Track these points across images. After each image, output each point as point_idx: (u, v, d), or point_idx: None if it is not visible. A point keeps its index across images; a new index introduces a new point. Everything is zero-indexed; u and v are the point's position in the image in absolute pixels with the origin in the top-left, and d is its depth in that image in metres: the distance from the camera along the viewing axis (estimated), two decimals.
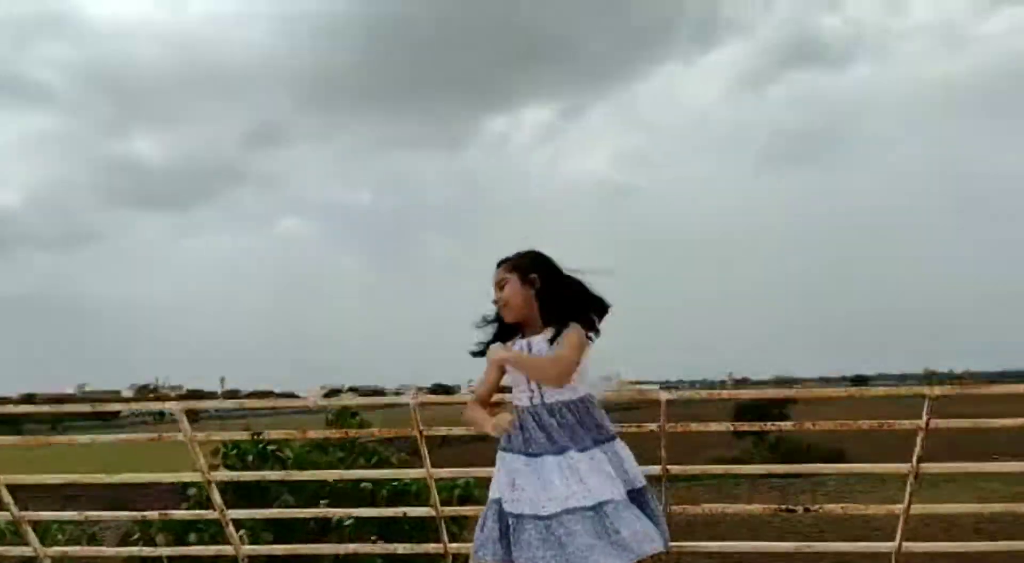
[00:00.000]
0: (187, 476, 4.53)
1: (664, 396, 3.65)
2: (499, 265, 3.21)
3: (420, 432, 3.85)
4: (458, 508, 4.77)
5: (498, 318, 3.21)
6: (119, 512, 6.04)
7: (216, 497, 4.07)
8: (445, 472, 4.18)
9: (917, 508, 3.81)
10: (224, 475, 4.65)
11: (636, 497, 3.05)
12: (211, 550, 4.31)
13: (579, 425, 3.06)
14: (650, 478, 3.98)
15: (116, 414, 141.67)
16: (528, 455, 3.02)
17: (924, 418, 3.61)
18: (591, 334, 3.13)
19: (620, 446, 3.15)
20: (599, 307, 3.17)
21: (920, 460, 3.73)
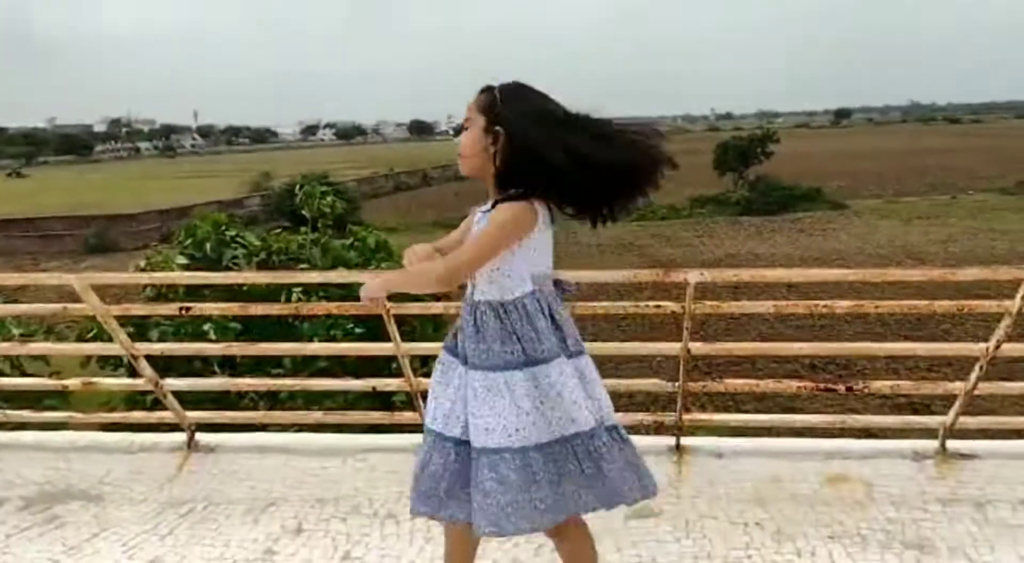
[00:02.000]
0: (111, 348, 4.02)
1: (693, 278, 3.01)
2: (480, 92, 2.29)
3: (387, 310, 3.37)
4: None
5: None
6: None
7: (147, 370, 3.65)
8: (415, 347, 3.80)
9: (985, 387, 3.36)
10: (151, 347, 4.14)
11: None
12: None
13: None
14: (669, 358, 3.55)
15: (90, 149, 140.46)
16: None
17: (1018, 302, 3.01)
18: (561, 209, 2.25)
19: None
20: (600, 195, 2.22)
21: (1000, 344, 3.15)
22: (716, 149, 52.53)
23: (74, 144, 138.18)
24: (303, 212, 10.44)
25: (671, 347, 3.31)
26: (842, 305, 3.13)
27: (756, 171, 49.72)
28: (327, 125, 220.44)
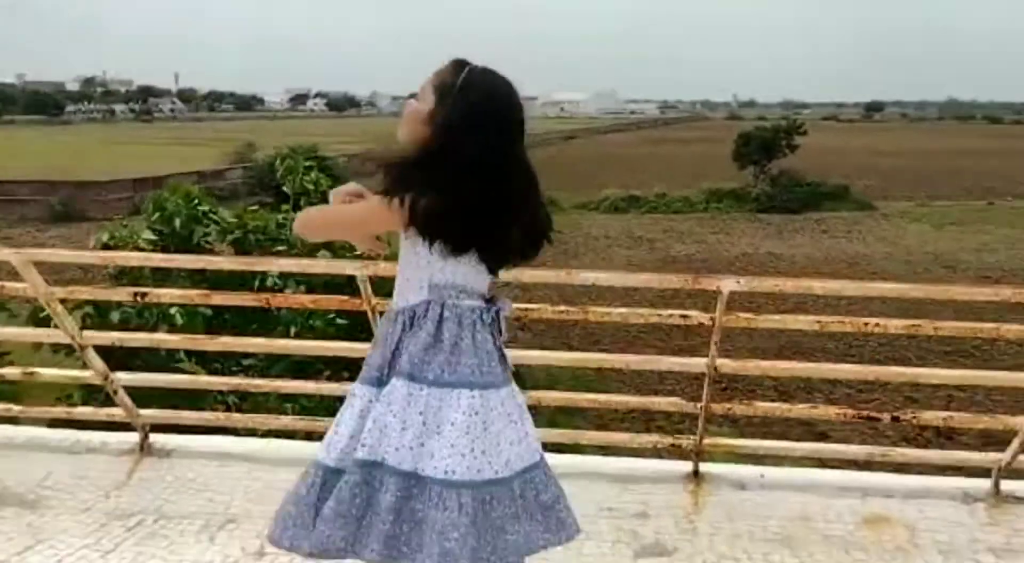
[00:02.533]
0: (56, 336, 3.80)
1: (727, 287, 2.77)
2: (448, 64, 2.12)
3: (372, 307, 3.19)
4: None
5: None
6: None
7: (95, 361, 3.47)
8: None
9: None
10: (100, 336, 3.94)
11: None
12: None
13: None
14: (694, 375, 3.35)
15: (61, 109, 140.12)
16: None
17: None
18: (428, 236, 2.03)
19: None
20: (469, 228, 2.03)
21: None
22: (737, 139, 52.21)
23: (44, 103, 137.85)
24: (284, 188, 10.22)
25: (696, 363, 3.12)
26: (896, 324, 2.90)
27: (779, 165, 49.42)
28: (318, 94, 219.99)
